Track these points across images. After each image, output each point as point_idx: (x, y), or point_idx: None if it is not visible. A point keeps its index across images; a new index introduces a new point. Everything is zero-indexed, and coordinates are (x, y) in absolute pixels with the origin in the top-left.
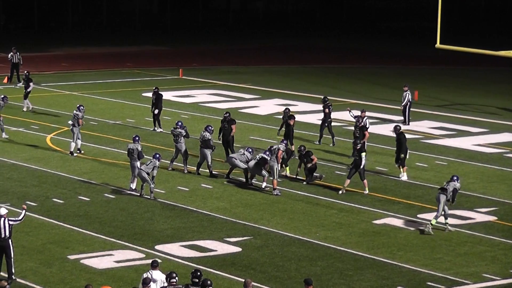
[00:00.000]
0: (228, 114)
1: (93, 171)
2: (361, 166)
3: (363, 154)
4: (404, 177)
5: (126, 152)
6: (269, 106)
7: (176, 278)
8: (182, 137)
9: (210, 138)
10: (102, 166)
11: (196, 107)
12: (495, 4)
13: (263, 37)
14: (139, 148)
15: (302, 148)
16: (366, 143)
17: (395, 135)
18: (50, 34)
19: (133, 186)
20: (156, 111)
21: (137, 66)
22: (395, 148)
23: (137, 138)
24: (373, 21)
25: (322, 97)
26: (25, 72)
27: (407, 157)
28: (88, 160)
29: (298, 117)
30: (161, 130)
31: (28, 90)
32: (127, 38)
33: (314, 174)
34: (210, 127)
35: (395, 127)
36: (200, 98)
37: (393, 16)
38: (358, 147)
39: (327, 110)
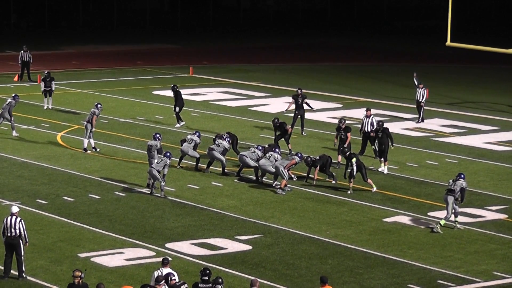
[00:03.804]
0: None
1: (103, 169)
2: (354, 172)
3: (354, 160)
4: (385, 170)
5: (146, 149)
6: (280, 104)
7: (175, 277)
8: (195, 143)
9: (227, 148)
10: (112, 164)
11: (207, 105)
12: (506, 1)
13: (273, 36)
14: (158, 146)
15: (309, 159)
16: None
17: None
18: (61, 32)
19: (151, 181)
20: (177, 109)
21: (148, 64)
22: (377, 144)
23: (158, 136)
24: (384, 19)
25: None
26: (46, 72)
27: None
28: (98, 158)
29: (308, 115)
30: (184, 122)
31: (52, 88)
32: (138, 36)
33: (330, 170)
34: (228, 139)
35: (378, 122)
36: (211, 96)
37: (404, 14)
38: (347, 155)
39: None
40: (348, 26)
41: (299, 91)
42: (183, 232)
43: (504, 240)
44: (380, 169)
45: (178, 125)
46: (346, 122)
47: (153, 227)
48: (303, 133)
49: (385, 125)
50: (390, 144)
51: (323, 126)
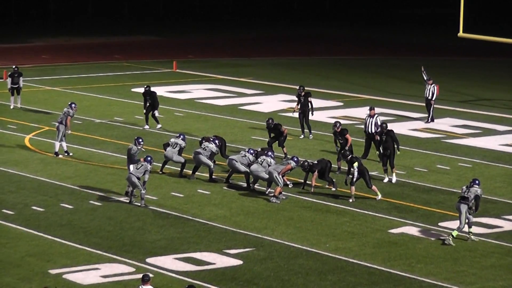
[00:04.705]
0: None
1: (77, 176)
2: (354, 179)
3: (355, 164)
4: (393, 179)
5: (127, 153)
6: (274, 103)
7: None
8: (180, 147)
9: (215, 152)
10: (87, 169)
11: (192, 104)
12: None
13: (266, 26)
14: (133, 150)
15: (306, 164)
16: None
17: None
18: (29, 23)
19: (130, 189)
20: (156, 113)
21: (126, 59)
22: (382, 148)
23: (140, 140)
24: (388, 7)
25: None
26: (14, 67)
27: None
28: (71, 163)
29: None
30: (148, 127)
31: (20, 85)
32: (116, 28)
33: (329, 176)
34: (217, 141)
35: (382, 124)
36: (197, 93)
37: (410, 2)
38: (348, 158)
39: None
40: (349, 16)
41: (300, 88)
42: (166, 246)
43: None
44: (385, 180)
45: (159, 125)
46: (343, 123)
47: (133, 240)
48: (302, 135)
49: (390, 126)
50: (395, 148)
51: (321, 127)
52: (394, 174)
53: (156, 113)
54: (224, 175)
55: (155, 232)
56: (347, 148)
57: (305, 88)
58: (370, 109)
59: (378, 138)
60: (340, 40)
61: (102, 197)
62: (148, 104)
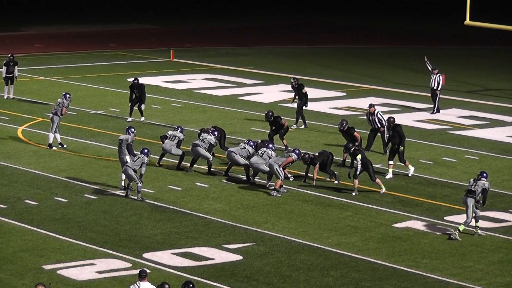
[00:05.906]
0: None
1: (71, 168)
2: (358, 172)
3: (359, 157)
4: (410, 172)
5: (118, 145)
6: (274, 93)
7: None
8: (178, 139)
9: (214, 144)
10: (82, 162)
11: (190, 94)
12: None
13: (266, 14)
14: (129, 140)
15: (307, 156)
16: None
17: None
18: (22, 11)
19: (124, 183)
20: (143, 107)
21: (122, 48)
22: (391, 143)
23: (132, 130)
24: None
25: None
26: (9, 55)
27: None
28: (66, 156)
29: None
30: (144, 118)
31: (15, 74)
32: (110, 16)
33: (331, 169)
34: (216, 132)
35: (389, 119)
36: (194, 83)
37: None
38: (351, 151)
39: None
40: (352, 3)
41: (294, 80)
42: (163, 241)
43: None
44: (387, 177)
45: (142, 118)
46: (346, 113)
47: (129, 234)
48: (293, 126)
49: (394, 117)
50: (401, 145)
51: (323, 118)
52: (409, 166)
53: (143, 106)
54: (223, 168)
55: (152, 226)
56: (357, 143)
57: (303, 79)
58: (370, 107)
59: (383, 129)
60: (343, 29)
61: (97, 190)
62: (134, 96)
